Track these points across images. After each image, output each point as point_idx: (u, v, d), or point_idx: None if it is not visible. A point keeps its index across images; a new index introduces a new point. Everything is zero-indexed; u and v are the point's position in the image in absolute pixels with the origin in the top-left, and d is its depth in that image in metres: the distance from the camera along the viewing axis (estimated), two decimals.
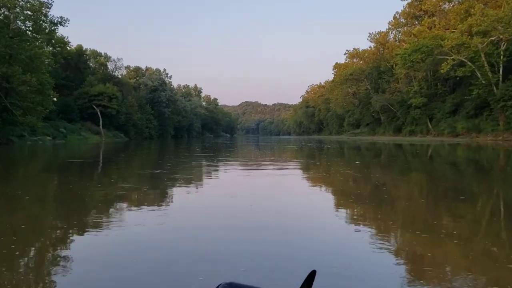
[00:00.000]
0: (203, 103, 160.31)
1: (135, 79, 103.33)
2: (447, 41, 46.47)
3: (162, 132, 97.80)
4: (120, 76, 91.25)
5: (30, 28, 41.28)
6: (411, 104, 62.73)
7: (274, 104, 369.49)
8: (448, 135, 52.88)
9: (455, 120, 53.37)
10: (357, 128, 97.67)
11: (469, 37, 45.79)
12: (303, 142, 54.16)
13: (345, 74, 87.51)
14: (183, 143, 55.73)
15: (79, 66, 77.50)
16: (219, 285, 0.98)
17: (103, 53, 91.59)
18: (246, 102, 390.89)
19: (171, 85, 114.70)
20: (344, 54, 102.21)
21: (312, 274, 0.94)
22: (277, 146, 40.24)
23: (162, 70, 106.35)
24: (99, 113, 68.27)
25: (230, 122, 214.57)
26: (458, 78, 51.42)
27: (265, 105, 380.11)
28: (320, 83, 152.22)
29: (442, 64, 48.36)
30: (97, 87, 74.15)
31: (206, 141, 70.33)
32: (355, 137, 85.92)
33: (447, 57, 49.04)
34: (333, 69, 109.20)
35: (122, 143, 55.43)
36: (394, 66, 74.43)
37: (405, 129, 67.72)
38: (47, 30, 43.15)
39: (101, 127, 67.76)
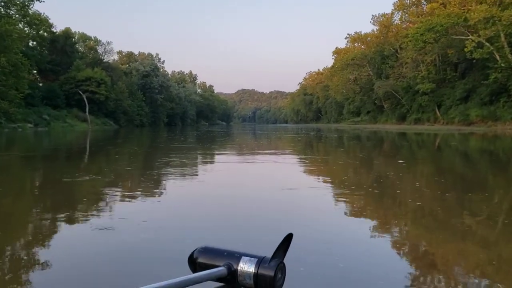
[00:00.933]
0: (198, 90, 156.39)
1: (127, 65, 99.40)
2: (473, 13, 41.84)
3: (154, 120, 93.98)
4: (110, 61, 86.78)
5: (1, 3, 37.08)
6: (418, 90, 58.68)
7: (271, 92, 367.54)
8: (459, 123, 49.16)
9: (468, 107, 49.53)
10: (357, 116, 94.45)
11: (500, 9, 41.09)
12: (304, 130, 50.91)
13: (346, 59, 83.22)
14: (176, 131, 53.77)
15: (65, 49, 73.32)
16: (194, 250, 1.03)
17: (92, 37, 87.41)
18: (243, 89, 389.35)
19: (165, 71, 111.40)
20: (345, 38, 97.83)
21: (289, 237, 0.98)
22: (274, 136, 37.41)
23: (154, 55, 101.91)
24: (85, 99, 64.45)
25: (226, 110, 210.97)
26: (474, 61, 47.19)
27: (262, 92, 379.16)
28: (318, 69, 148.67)
29: (466, 43, 43.93)
30: (85, 71, 70.25)
31: (200, 129, 67.69)
32: (355, 126, 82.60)
33: (463, 37, 45.10)
34: (332, 55, 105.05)
35: (110, 131, 52.88)
36: (399, 50, 70.44)
37: (410, 117, 63.97)
38: (19, 2, 38.84)
39: (87, 113, 63.88)
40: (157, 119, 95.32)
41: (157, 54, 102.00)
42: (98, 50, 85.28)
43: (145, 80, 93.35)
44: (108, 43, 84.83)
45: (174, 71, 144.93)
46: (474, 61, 47.37)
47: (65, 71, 70.84)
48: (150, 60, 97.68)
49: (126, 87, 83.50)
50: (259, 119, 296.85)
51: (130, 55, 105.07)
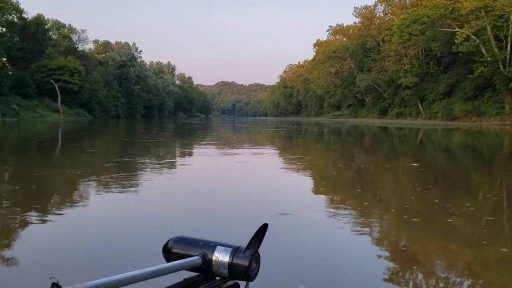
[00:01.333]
0: (177, 82, 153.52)
1: (104, 54, 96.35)
2: (466, 2, 40.54)
3: (130, 111, 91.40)
4: (85, 50, 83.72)
5: None
6: (401, 84, 57.64)
7: (250, 85, 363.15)
8: (443, 118, 48.29)
9: (451, 102, 48.69)
10: (338, 110, 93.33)
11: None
12: (284, 124, 49.64)
13: (328, 52, 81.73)
14: (151, 123, 52.35)
15: (37, 36, 70.23)
16: (169, 240, 1.01)
17: (67, 24, 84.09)
18: (222, 82, 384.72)
19: (143, 61, 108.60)
20: (327, 31, 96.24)
21: (264, 228, 0.95)
22: (254, 130, 36.19)
23: (131, 44, 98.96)
24: (57, 89, 61.85)
25: (205, 102, 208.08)
26: (459, 55, 46.11)
27: (242, 85, 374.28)
28: (299, 62, 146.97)
29: (457, 34, 42.57)
30: (57, 60, 67.52)
31: (178, 121, 66.04)
32: (336, 119, 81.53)
33: (449, 29, 43.97)
34: (313, 47, 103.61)
35: (84, 122, 51.30)
36: (381, 43, 69.38)
37: (392, 111, 63.12)
38: None
39: (59, 104, 61.30)
40: (133, 110, 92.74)
41: (134, 44, 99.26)
42: (73, 39, 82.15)
43: (122, 70, 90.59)
44: (83, 31, 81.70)
45: (152, 61, 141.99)
46: (459, 55, 46.40)
47: (36, 59, 67.92)
48: (127, 50, 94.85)
49: (101, 77, 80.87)
50: (239, 111, 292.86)
51: (106, 44, 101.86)
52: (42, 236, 4.04)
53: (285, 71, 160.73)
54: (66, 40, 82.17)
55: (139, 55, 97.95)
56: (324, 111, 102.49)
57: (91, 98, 75.08)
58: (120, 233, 4.16)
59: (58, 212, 5.16)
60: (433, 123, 45.42)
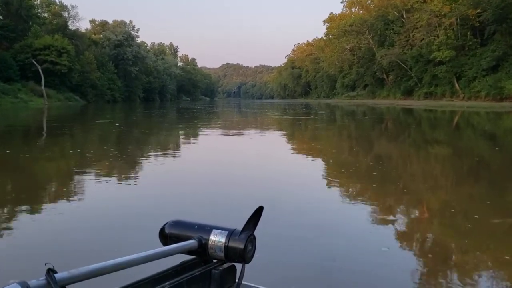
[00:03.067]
0: (180, 64, 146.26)
1: (101, 35, 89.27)
2: None
3: (129, 95, 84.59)
4: (76, 29, 76.38)
5: None
6: (433, 59, 49.93)
7: (256, 66, 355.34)
8: (488, 99, 41.10)
9: (498, 79, 41.21)
10: (352, 91, 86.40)
11: None
12: (299, 108, 43.15)
13: (343, 26, 73.79)
14: (151, 108, 46.85)
15: (21, 13, 63.19)
16: (165, 224, 1.07)
17: (57, 1, 76.91)
18: (228, 64, 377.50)
19: (144, 42, 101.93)
20: (341, 2, 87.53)
21: (259, 210, 1.01)
22: (261, 114, 32.15)
23: (128, 22, 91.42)
24: (40, 70, 55.08)
25: (210, 84, 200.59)
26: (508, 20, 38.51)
27: (247, 67, 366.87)
28: (307, 41, 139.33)
29: None
30: (43, 39, 60.70)
31: (180, 106, 59.78)
32: (350, 101, 74.64)
33: None
34: (324, 24, 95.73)
35: (74, 108, 46.37)
36: (405, 14, 61.39)
37: (419, 91, 55.71)
38: None
39: (43, 87, 54.47)
40: (131, 93, 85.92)
41: (131, 22, 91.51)
42: (64, 16, 74.85)
43: (118, 51, 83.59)
44: (73, 7, 74.48)
45: (154, 42, 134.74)
46: (508, 21, 38.92)
47: (21, 38, 61.22)
48: (123, 28, 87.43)
49: (95, 58, 74.05)
50: (244, 94, 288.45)
51: (104, 24, 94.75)
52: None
53: (292, 51, 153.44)
54: (57, 18, 74.99)
55: (136, 34, 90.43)
56: (336, 92, 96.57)
57: (83, 81, 68.55)
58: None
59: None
60: (476, 104, 38.28)
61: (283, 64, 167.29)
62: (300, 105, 53.87)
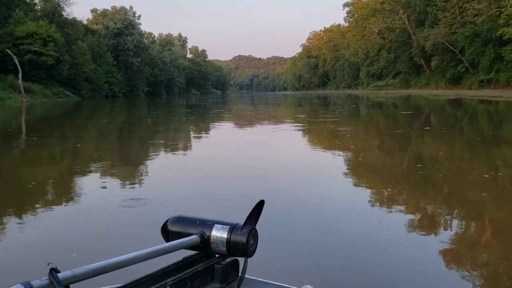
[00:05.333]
0: (190, 56, 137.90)
1: (102, 25, 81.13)
2: None
3: (131, 89, 76.35)
4: (68, 15, 67.81)
5: None
6: (502, 35, 40.03)
7: (268, 58, 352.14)
8: None
9: None
10: (379, 80, 77.27)
11: None
12: (330, 100, 34.85)
13: (373, 4, 64.03)
14: (154, 104, 40.35)
15: None
16: (167, 220, 1.08)
17: None
18: (239, 56, 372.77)
19: (151, 34, 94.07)
20: None
21: (261, 204, 1.03)
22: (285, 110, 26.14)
23: (128, 8, 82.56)
24: (16, 62, 46.81)
25: (221, 77, 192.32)
26: None
27: (259, 58, 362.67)
28: (325, 27, 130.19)
29: None
30: (25, 26, 52.67)
31: (184, 101, 51.80)
32: (378, 91, 65.66)
33: None
34: (344, 7, 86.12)
35: (62, 105, 39.18)
36: None
37: (473, 78, 46.20)
38: None
39: (20, 81, 46.09)
40: (134, 88, 77.72)
41: (131, 8, 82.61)
42: (53, 1, 66.36)
43: (117, 40, 75.37)
44: None
45: (162, 33, 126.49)
46: None
47: (3, 25, 53.21)
48: (122, 15, 78.74)
49: (92, 48, 65.98)
50: (257, 86, 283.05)
51: (105, 13, 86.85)
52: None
53: (308, 39, 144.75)
54: (50, 6, 66.67)
55: (137, 21, 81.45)
56: (360, 82, 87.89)
57: (76, 74, 60.48)
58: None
59: None
60: None
61: (297, 54, 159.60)
62: (325, 98, 45.82)
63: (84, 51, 62.52)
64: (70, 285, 0.69)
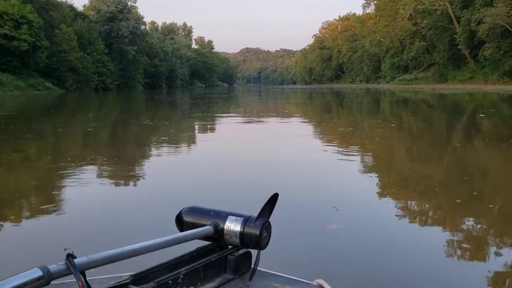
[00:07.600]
0: (195, 47, 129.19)
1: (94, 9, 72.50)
2: None
3: (125, 81, 67.84)
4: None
5: None
6: None
7: (277, 51, 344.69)
8: None
9: None
10: (406, 73, 68.36)
11: None
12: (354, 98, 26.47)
13: None
14: (146, 99, 33.67)
15: None
16: (182, 210, 1.09)
17: None
18: (247, 48, 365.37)
19: (154, 22, 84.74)
20: None
21: (274, 197, 1.04)
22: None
23: None
24: None
25: (228, 69, 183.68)
26: None
27: (268, 51, 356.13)
28: (339, 16, 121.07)
29: None
30: None
31: (190, 94, 43.62)
32: (407, 86, 57.04)
33: None
34: None
35: (34, 101, 30.31)
36: None
37: None
38: None
39: None
40: (130, 79, 69.23)
41: None
42: None
43: (111, 26, 66.76)
44: None
45: (165, 22, 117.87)
46: None
47: None
48: None
49: (81, 34, 57.72)
50: (265, 79, 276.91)
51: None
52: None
53: (321, 29, 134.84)
54: None
55: (133, 4, 72.61)
56: (381, 75, 79.22)
57: (59, 63, 52.13)
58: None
59: None
60: None
61: (308, 46, 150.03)
62: (342, 94, 37.88)
63: (69, 36, 54.07)
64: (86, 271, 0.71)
